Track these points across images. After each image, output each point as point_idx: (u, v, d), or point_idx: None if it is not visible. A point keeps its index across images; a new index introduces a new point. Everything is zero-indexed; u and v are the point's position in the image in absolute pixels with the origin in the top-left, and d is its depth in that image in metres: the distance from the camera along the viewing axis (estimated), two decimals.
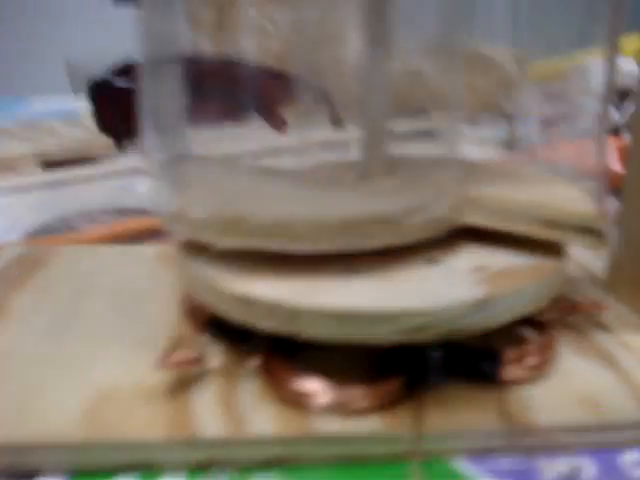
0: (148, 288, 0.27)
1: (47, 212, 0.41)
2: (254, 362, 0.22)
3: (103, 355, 0.23)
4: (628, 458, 0.21)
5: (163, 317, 0.25)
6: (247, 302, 0.21)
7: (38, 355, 0.23)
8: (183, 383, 0.22)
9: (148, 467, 0.20)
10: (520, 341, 0.23)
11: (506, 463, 0.20)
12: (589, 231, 0.23)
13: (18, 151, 0.49)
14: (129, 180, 0.48)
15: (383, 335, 0.20)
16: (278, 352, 0.22)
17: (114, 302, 0.27)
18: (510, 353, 0.23)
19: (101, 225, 0.36)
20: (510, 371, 0.22)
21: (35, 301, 0.27)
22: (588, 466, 0.21)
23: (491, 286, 0.21)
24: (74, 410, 0.20)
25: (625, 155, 0.26)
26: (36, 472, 0.20)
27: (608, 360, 0.24)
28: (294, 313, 0.20)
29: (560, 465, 0.20)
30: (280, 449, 0.20)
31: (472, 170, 0.27)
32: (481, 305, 0.20)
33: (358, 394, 0.21)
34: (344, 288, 0.21)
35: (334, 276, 0.21)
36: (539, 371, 0.23)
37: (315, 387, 0.21)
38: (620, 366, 0.23)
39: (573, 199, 0.25)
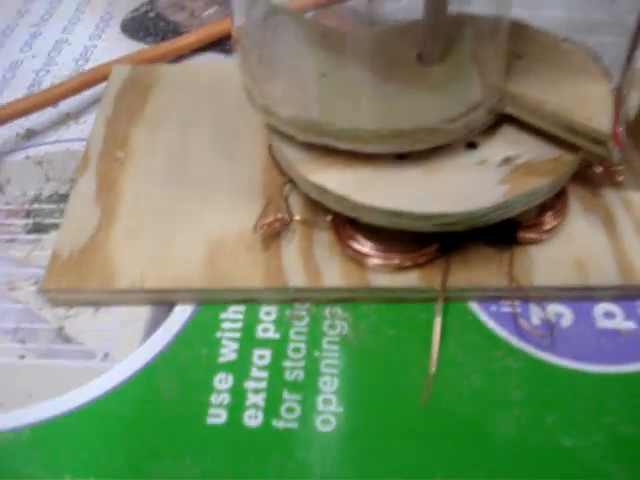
0: (241, 123, 0.33)
1: None
2: (326, 220, 0.29)
3: (212, 202, 0.30)
4: (599, 309, 0.28)
5: (256, 159, 0.32)
6: (321, 190, 0.27)
7: (161, 201, 0.30)
8: (274, 236, 0.29)
9: (250, 301, 0.28)
10: (540, 208, 0.29)
11: (505, 307, 0.28)
12: (603, 145, 0.27)
13: None
14: None
15: (421, 227, 0.26)
16: (344, 216, 0.29)
17: (214, 140, 0.33)
18: (528, 220, 0.29)
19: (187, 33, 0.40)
20: (526, 235, 0.29)
21: (150, 138, 0.33)
22: (568, 314, 0.28)
23: (512, 185, 0.26)
24: (196, 259, 0.28)
25: None
26: (174, 303, 0.28)
27: (608, 221, 0.30)
28: (356, 205, 0.26)
29: (546, 312, 0.28)
30: (344, 294, 0.28)
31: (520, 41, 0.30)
32: (501, 206, 0.26)
33: (402, 256, 0.28)
34: (394, 186, 0.27)
35: (389, 170, 0.27)
36: (550, 234, 0.29)
37: (371, 249, 0.28)
38: (616, 229, 0.29)
39: (599, 109, 0.28)
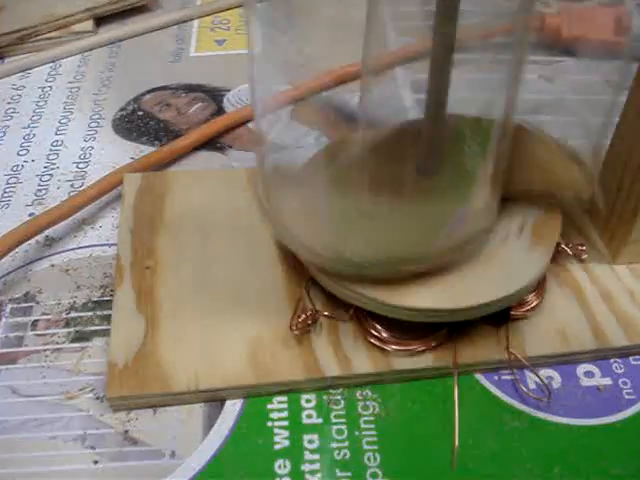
0: (255, 225, 0.37)
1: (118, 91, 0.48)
2: (349, 313, 0.34)
3: (243, 304, 0.34)
4: (581, 370, 0.34)
5: (276, 259, 0.36)
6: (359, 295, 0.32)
7: (196, 305, 0.34)
8: (306, 332, 0.33)
9: (291, 391, 0.33)
10: None
11: (505, 375, 0.34)
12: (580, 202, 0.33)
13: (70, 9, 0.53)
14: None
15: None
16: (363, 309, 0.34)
17: (234, 243, 0.37)
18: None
19: (190, 133, 0.44)
20: (516, 312, 0.34)
21: (174, 246, 0.37)
22: (556, 376, 0.34)
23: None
24: (240, 358, 0.33)
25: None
26: (224, 399, 0.33)
27: (579, 294, 0.36)
28: (384, 306, 0.31)
29: (540, 376, 0.34)
30: (372, 378, 0.33)
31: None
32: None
33: (417, 342, 0.33)
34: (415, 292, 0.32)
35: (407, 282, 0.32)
36: (535, 310, 0.35)
37: (390, 337, 0.33)
38: (587, 299, 0.35)
39: (573, 178, 0.34)
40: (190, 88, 0.49)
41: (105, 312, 0.36)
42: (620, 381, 0.34)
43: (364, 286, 0.32)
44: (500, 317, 0.34)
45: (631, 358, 0.35)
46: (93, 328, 0.36)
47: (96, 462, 0.31)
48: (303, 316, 0.33)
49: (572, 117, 0.43)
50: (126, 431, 0.32)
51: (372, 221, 0.32)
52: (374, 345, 0.33)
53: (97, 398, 0.33)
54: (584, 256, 0.36)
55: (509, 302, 0.32)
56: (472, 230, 0.32)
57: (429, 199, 0.33)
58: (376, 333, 0.33)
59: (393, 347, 0.33)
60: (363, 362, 0.33)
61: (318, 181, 0.34)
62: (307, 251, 0.32)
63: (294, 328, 0.33)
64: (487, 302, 0.31)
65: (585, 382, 0.34)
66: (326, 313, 0.34)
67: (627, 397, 0.33)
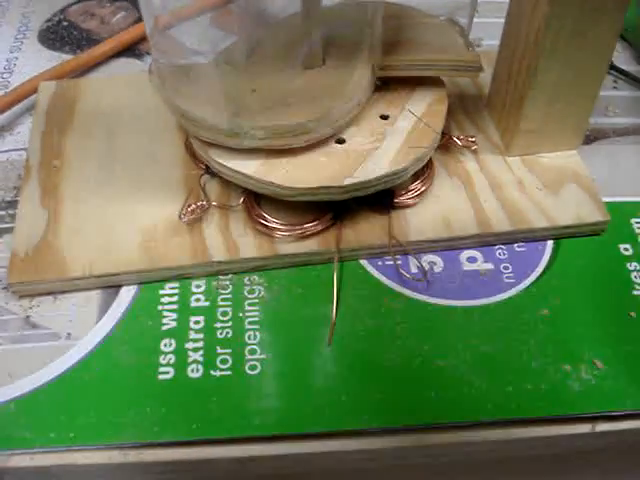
0: (160, 125, 0.39)
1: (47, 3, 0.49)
2: (238, 203, 0.35)
3: (141, 197, 0.36)
4: (464, 256, 0.36)
5: (176, 157, 0.38)
6: (243, 175, 0.33)
7: (97, 200, 0.36)
8: (196, 220, 0.35)
9: (183, 277, 0.34)
10: (412, 176, 0.36)
11: (389, 261, 0.35)
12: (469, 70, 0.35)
13: None
14: None
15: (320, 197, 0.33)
16: (252, 196, 0.35)
17: (138, 143, 0.38)
18: (401, 188, 0.36)
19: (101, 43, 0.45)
20: (401, 200, 0.36)
21: (81, 146, 0.38)
22: (439, 261, 0.35)
23: (396, 165, 0.33)
24: (134, 245, 0.34)
25: None
26: (120, 285, 0.34)
27: (468, 182, 0.37)
28: (263, 184, 0.33)
29: (419, 260, 0.35)
30: (258, 263, 0.34)
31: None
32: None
33: (302, 227, 0.34)
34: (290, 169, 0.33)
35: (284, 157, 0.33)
36: (421, 197, 0.36)
37: (276, 224, 0.35)
38: (475, 188, 0.36)
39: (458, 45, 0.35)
40: None
41: (17, 210, 0.37)
42: (502, 266, 0.35)
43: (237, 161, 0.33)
44: (385, 204, 0.35)
45: (515, 245, 0.36)
46: (4, 226, 0.37)
47: None
48: (193, 206, 0.35)
49: None
50: (28, 317, 0.34)
51: (262, 95, 0.33)
52: (261, 232, 0.35)
53: (4, 288, 0.35)
54: (474, 147, 0.37)
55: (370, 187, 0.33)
56: (349, 104, 0.34)
57: (313, 87, 0.34)
58: (263, 221, 0.35)
59: (279, 233, 0.34)
60: (250, 248, 0.34)
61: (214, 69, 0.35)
62: (199, 126, 0.33)
63: (182, 216, 0.34)
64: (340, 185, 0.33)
65: (467, 267, 0.35)
66: (215, 203, 0.35)
67: (507, 281, 0.35)
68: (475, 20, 0.41)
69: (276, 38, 0.36)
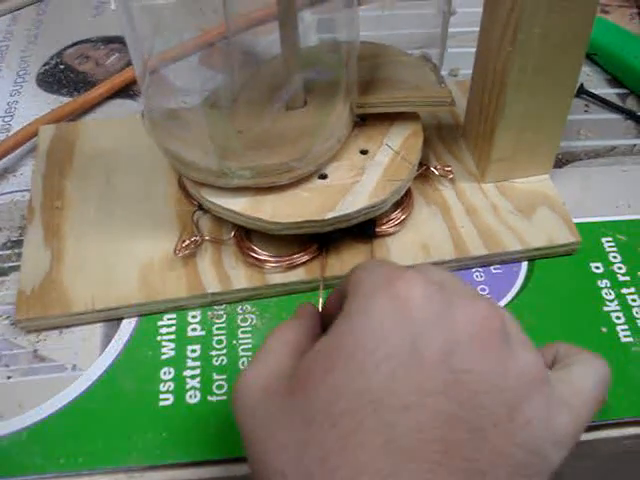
0: (154, 165, 0.41)
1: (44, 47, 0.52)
2: (229, 235, 0.38)
3: (138, 234, 0.38)
4: None
5: (170, 194, 0.40)
6: (233, 212, 0.35)
7: (97, 238, 0.38)
8: (191, 254, 0.37)
9: (179, 309, 0.37)
10: (392, 206, 0.38)
11: None
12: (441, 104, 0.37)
13: None
14: None
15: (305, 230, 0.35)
16: (242, 231, 0.37)
17: (134, 183, 0.41)
18: (383, 217, 0.38)
19: (98, 85, 0.47)
20: (382, 229, 0.38)
21: (81, 187, 0.41)
22: None
23: (375, 197, 0.35)
24: (132, 280, 0.37)
25: None
26: (121, 318, 0.37)
27: (445, 209, 0.39)
28: (251, 219, 0.35)
29: None
30: (250, 293, 0.37)
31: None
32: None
33: (290, 258, 0.37)
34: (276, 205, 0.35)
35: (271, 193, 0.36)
36: (400, 225, 0.38)
37: (266, 256, 0.37)
38: (451, 214, 0.39)
39: (430, 81, 0.38)
40: (109, 40, 0.52)
41: (22, 250, 0.40)
42: (479, 288, 0.37)
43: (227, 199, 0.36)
44: (367, 234, 0.38)
45: (492, 267, 0.38)
46: (11, 264, 0.40)
47: (9, 377, 0.35)
48: (187, 241, 0.37)
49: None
50: (35, 350, 0.36)
51: (247, 136, 0.36)
52: (252, 264, 0.37)
53: (12, 324, 0.37)
54: (450, 176, 0.40)
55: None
56: (329, 142, 0.36)
57: (296, 127, 0.36)
58: (253, 253, 0.37)
59: (268, 264, 0.37)
60: (241, 279, 0.37)
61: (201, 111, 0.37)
62: (190, 168, 0.36)
63: (177, 252, 0.37)
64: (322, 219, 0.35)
65: None
66: (207, 237, 0.38)
67: None
68: (452, 50, 0.44)
69: (260, 81, 0.38)
